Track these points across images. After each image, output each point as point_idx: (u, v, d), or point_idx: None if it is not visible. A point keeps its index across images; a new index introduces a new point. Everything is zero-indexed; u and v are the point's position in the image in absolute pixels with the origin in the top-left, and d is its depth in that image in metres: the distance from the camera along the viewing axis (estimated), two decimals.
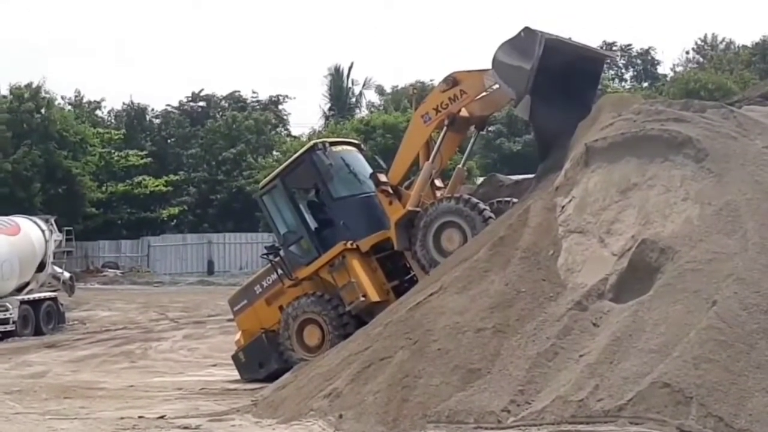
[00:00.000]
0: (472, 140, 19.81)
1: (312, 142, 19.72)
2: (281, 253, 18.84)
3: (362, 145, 20.63)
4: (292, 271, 18.55)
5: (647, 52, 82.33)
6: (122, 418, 13.90)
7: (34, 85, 57.87)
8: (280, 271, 18.74)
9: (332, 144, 19.15)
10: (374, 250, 18.04)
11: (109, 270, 55.49)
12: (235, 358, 19.48)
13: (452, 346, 11.88)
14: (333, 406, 12.25)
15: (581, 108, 15.37)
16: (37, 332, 29.33)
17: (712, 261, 11.01)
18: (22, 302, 29.39)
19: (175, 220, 65.06)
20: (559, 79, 16.12)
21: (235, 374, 19.19)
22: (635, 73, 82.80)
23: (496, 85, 16.85)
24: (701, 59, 78.94)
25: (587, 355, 10.97)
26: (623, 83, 78.43)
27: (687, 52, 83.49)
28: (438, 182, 18.30)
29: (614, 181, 12.70)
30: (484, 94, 17.20)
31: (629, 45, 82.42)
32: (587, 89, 17.00)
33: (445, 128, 17.27)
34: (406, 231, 17.18)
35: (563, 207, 13.00)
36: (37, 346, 26.11)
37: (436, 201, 17.18)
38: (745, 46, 75.37)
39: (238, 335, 19.89)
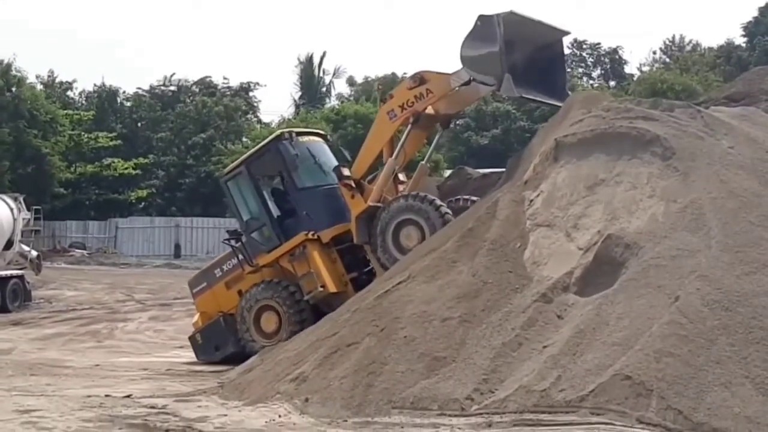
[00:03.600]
0: (437, 136, 19.93)
1: (278, 132, 19.75)
2: (243, 238, 18.96)
3: (328, 136, 20.66)
4: (252, 257, 18.68)
5: (615, 51, 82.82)
6: (89, 396, 13.93)
7: (4, 63, 57.39)
8: (240, 257, 18.86)
9: (299, 134, 19.24)
10: (335, 241, 18.17)
11: (76, 250, 55.17)
12: (192, 339, 19.60)
13: (419, 334, 12.03)
14: (299, 389, 12.36)
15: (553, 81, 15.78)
16: (3, 310, 29.20)
17: (676, 257, 11.23)
18: None
19: (143, 203, 64.81)
20: (524, 52, 16.55)
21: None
22: (603, 71, 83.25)
23: (464, 86, 17.00)
24: (668, 59, 79.47)
25: (551, 346, 11.16)
26: (591, 81, 78.85)
27: (654, 52, 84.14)
28: (402, 176, 18.46)
29: (582, 177, 12.90)
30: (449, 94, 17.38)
31: (598, 44, 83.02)
32: (554, 65, 17.33)
33: (409, 125, 17.41)
34: (367, 225, 17.31)
35: (531, 201, 13.18)
36: (2, 324, 25.98)
37: (396, 198, 17.29)
38: (710, 48, 76.04)
39: (196, 317, 20.04)
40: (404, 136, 17.51)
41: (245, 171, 18.94)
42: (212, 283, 19.53)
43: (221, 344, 18.94)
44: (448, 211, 16.63)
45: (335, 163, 18.85)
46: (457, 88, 17.10)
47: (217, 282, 19.43)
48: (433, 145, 20.37)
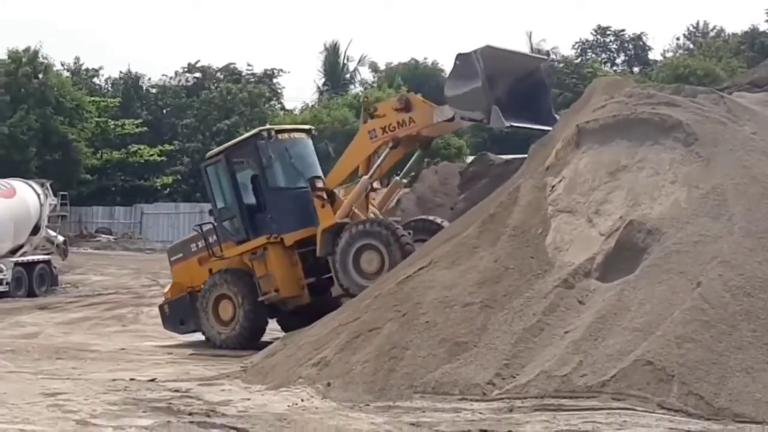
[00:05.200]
0: (416, 153, 20.16)
1: (258, 129, 19.96)
2: (215, 223, 19.39)
3: (313, 130, 20.67)
4: (221, 244, 19.01)
5: (639, 37, 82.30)
6: (114, 380, 14.07)
7: (31, 50, 57.68)
8: (212, 239, 19.23)
9: (279, 132, 19.43)
10: (299, 244, 18.41)
11: (102, 235, 55.47)
12: (161, 308, 20.43)
13: (440, 320, 12.07)
14: (321, 374, 12.44)
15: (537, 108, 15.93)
16: (30, 294, 29.46)
17: (698, 243, 11.23)
18: (16, 264, 29.51)
19: (168, 189, 65.05)
20: (506, 83, 16.83)
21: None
22: (626, 57, 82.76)
23: (445, 120, 17.24)
24: (691, 46, 78.96)
25: (572, 331, 11.18)
26: (614, 67, 78.43)
27: (677, 39, 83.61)
28: (377, 183, 18.74)
29: (604, 163, 12.89)
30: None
31: (622, 30, 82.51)
32: (537, 91, 17.42)
33: (388, 148, 17.66)
34: (332, 239, 17.55)
35: (553, 186, 13.18)
36: (29, 308, 26.18)
37: (358, 223, 17.47)
38: (734, 34, 75.49)
39: (168, 286, 20.66)
40: (382, 157, 17.77)
41: (224, 160, 19.17)
42: (187, 256, 20.03)
43: (185, 319, 19.61)
44: (409, 241, 16.95)
45: (315, 161, 19.34)
46: (438, 123, 17.40)
47: (191, 256, 19.89)
48: (410, 162, 20.37)
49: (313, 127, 21.12)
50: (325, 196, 17.73)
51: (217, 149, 20.43)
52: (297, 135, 20.01)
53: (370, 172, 17.77)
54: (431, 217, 18.78)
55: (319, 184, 17.86)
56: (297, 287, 18.41)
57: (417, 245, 16.76)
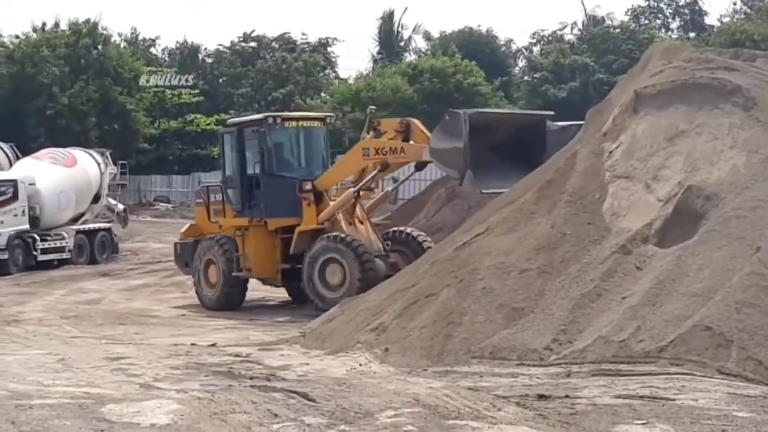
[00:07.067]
0: (411, 172, 20.54)
1: (266, 114, 20.41)
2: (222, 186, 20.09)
3: (329, 118, 21.00)
4: (225, 206, 19.74)
5: (695, 2, 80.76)
6: (175, 345, 14.37)
7: (91, 22, 58.24)
8: (215, 198, 20.00)
9: (287, 119, 19.93)
10: (284, 229, 18.93)
11: (161, 204, 56.01)
12: (174, 246, 21.68)
13: (497, 285, 12.13)
14: (379, 339, 12.56)
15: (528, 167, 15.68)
16: (92, 261, 29.82)
17: (757, 208, 11.16)
18: (78, 232, 29.87)
19: None
20: (496, 145, 17.00)
21: (284, 306, 19.99)
22: (682, 23, 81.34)
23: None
24: (748, 10, 77.36)
25: (630, 297, 11.18)
26: (669, 33, 77.14)
27: (734, 3, 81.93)
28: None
29: (662, 128, 12.81)
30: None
31: None
32: (533, 149, 17.09)
33: (377, 169, 18.18)
34: (308, 241, 18.27)
35: (611, 152, 13.13)
36: (91, 275, 26.57)
37: (324, 237, 18.00)
38: None
39: (186, 226, 21.67)
40: (371, 175, 18.34)
41: (237, 133, 19.77)
42: (207, 203, 20.47)
43: (190, 263, 20.33)
44: (370, 258, 17.59)
45: (321, 151, 19.94)
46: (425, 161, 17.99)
47: (210, 205, 20.32)
48: (401, 181, 21.28)
49: (331, 115, 21.66)
50: (311, 198, 18.36)
51: (235, 120, 21.27)
52: (307, 124, 20.38)
53: (358, 186, 18.42)
54: (411, 230, 19.52)
55: (307, 187, 18.45)
56: (271, 270, 19.15)
57: (394, 255, 18.34)
